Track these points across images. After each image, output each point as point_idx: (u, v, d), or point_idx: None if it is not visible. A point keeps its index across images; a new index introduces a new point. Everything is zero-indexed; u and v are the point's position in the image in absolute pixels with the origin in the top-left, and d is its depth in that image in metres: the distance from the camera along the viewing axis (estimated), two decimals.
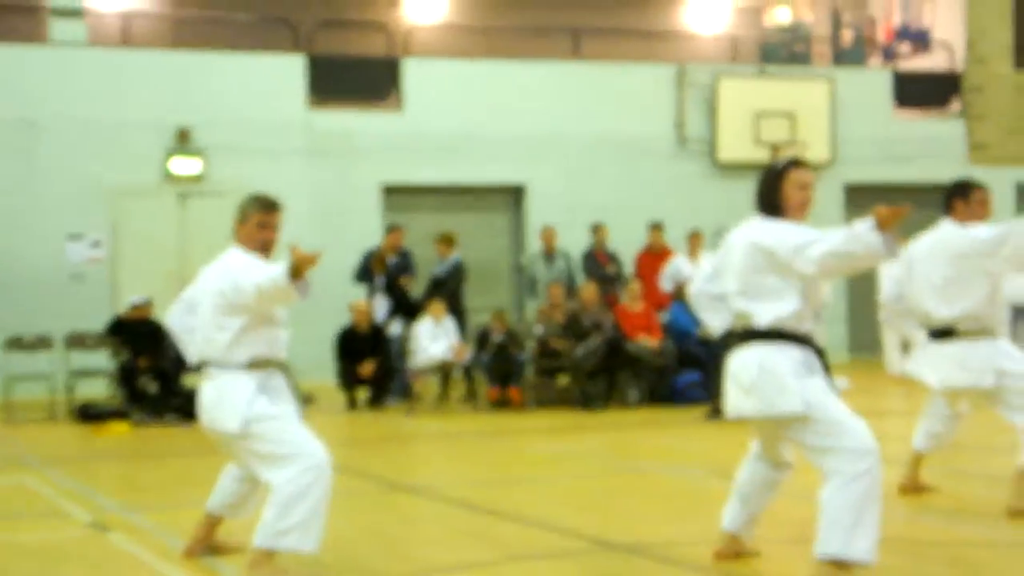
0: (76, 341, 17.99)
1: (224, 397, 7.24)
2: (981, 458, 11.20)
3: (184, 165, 20.36)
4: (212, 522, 7.77)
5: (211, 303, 7.27)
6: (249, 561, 7.06)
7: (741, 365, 6.73)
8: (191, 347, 7.57)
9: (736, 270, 6.78)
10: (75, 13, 20.39)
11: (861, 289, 21.56)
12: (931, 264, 8.63)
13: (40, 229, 19.69)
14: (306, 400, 17.49)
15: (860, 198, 22.78)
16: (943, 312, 8.55)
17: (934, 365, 8.75)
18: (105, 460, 13.25)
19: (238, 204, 7.50)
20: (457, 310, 18.42)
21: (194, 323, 7.50)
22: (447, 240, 18.93)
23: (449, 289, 18.52)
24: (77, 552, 8.12)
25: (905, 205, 6.10)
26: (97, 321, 17.97)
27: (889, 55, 25.52)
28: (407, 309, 18.16)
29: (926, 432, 9.34)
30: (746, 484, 7.12)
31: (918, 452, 9.39)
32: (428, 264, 19.31)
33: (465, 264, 19.01)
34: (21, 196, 19.83)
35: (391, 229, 18.78)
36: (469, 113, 22.04)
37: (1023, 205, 23.91)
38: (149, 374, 16.59)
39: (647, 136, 22.72)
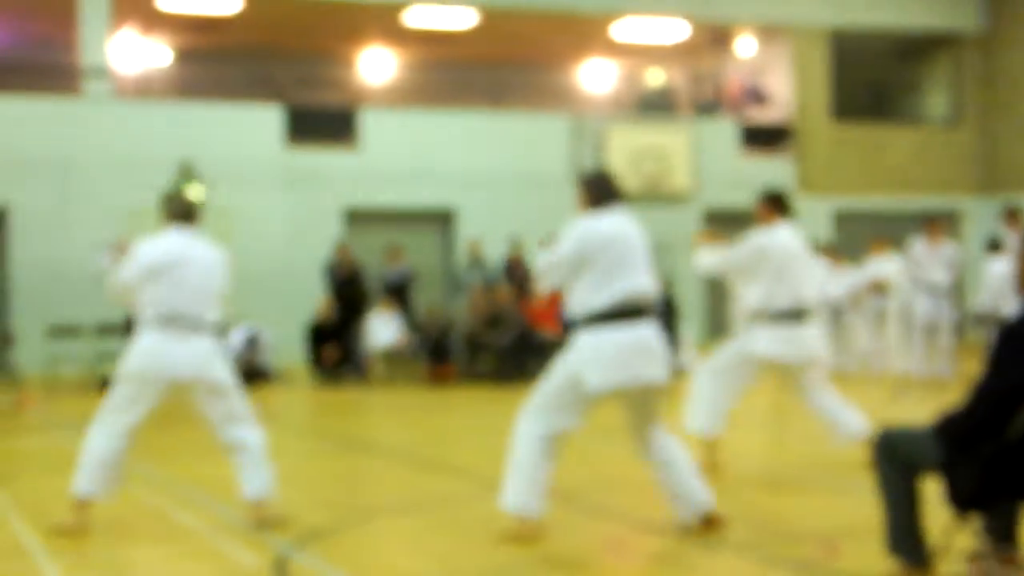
0: (104, 329, 18.16)
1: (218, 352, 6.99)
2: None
3: (192, 191, 20.45)
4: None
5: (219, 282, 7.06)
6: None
7: (651, 336, 6.36)
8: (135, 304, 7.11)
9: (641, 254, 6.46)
10: (102, 73, 20.56)
11: (718, 285, 21.78)
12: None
13: (75, 242, 19.46)
14: (280, 376, 17.76)
15: (716, 220, 22.96)
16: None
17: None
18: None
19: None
20: (407, 307, 18.71)
21: (164, 293, 6.95)
22: (397, 252, 19.27)
23: (401, 291, 18.84)
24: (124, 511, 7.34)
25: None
26: (120, 313, 17.95)
27: (736, 108, 26.00)
28: (356, 306, 18.23)
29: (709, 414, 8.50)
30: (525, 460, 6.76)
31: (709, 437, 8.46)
32: (376, 271, 19.58)
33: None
34: (58, 217, 19.74)
35: (339, 247, 18.68)
36: (412, 152, 22.01)
37: (842, 228, 24.34)
38: None
39: (549, 172, 22.79)
